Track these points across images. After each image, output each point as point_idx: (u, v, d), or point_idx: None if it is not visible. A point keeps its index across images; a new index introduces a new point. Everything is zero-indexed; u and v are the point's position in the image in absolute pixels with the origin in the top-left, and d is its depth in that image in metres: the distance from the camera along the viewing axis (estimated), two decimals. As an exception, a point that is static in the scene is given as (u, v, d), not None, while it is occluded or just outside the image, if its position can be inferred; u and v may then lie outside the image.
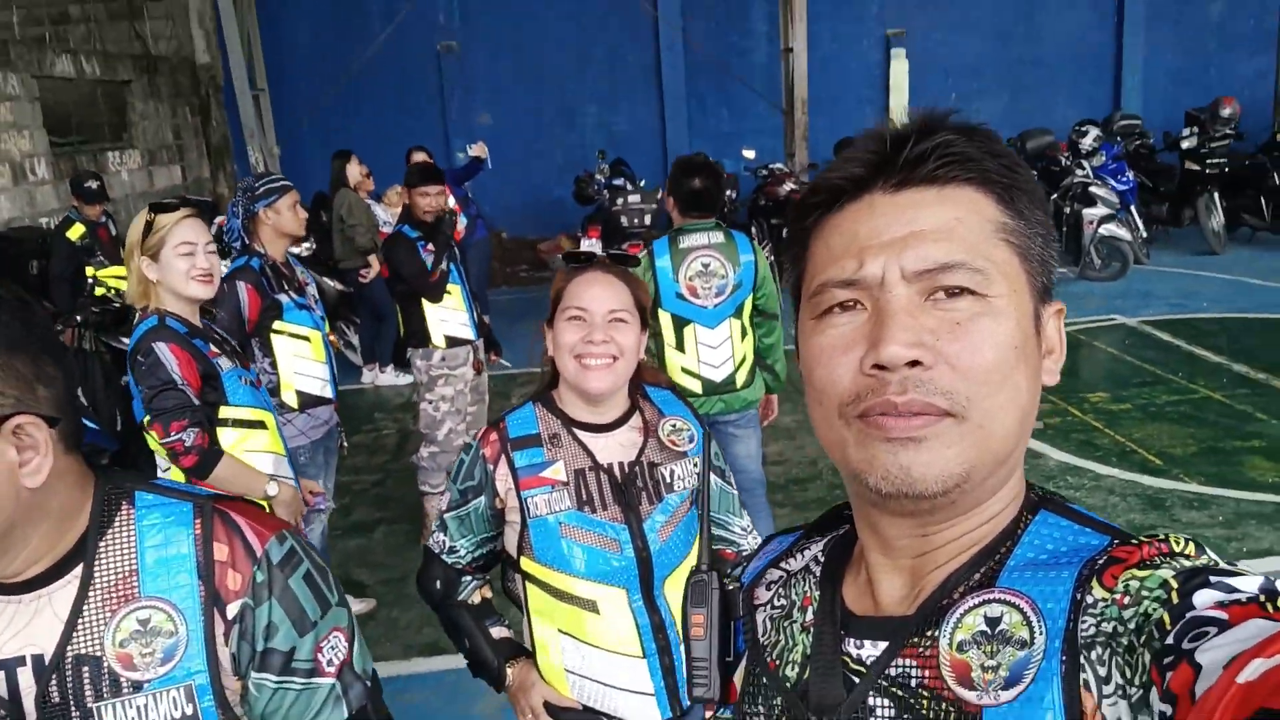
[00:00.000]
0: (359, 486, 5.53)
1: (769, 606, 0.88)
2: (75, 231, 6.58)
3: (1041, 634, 0.65)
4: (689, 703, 0.89)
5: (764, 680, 0.84)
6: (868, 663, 0.74)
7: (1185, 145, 9.60)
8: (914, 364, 0.67)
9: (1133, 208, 9.10)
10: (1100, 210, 8.49)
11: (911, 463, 0.68)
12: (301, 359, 3.57)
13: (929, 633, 0.71)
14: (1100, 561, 0.66)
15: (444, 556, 1.88)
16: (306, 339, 3.58)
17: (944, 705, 0.68)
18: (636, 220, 7.87)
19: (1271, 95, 10.96)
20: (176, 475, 2.67)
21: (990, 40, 11.81)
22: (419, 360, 4.49)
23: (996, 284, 0.69)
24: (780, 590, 0.88)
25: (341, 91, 10.80)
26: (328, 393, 3.65)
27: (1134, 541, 0.67)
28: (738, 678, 0.88)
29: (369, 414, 6.96)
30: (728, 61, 11.27)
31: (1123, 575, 0.64)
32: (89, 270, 6.30)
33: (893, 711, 0.71)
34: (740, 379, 3.58)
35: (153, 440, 2.63)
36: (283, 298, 3.50)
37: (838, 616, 0.80)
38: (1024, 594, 0.68)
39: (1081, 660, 0.62)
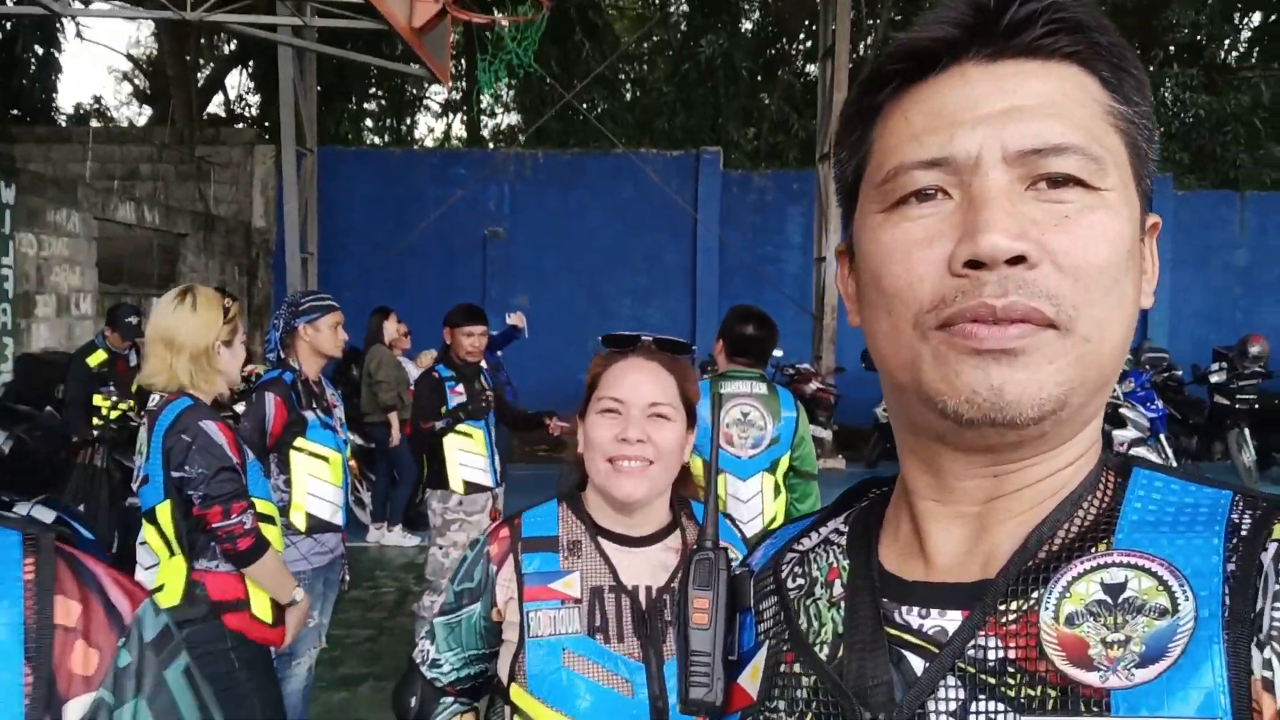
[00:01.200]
0: (350, 640, 5.25)
1: (784, 591, 0.72)
2: (96, 358, 6.55)
3: (1187, 600, 0.53)
4: (680, 709, 0.72)
5: (781, 670, 0.67)
6: (934, 635, 0.60)
7: (1214, 379, 9.63)
8: (1016, 261, 0.55)
9: (1162, 436, 9.00)
10: (1131, 433, 8.40)
11: (1006, 381, 0.55)
12: (317, 480, 3.46)
13: (1020, 601, 0.57)
14: (1245, 526, 0.55)
15: (425, 669, 1.58)
16: (326, 459, 3.48)
17: (1044, 689, 0.54)
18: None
19: (1300, 340, 11.11)
20: (170, 575, 2.54)
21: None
22: (435, 503, 4.36)
23: (1110, 176, 0.58)
24: (796, 570, 0.72)
25: (387, 264, 11.19)
26: (338, 519, 3.51)
27: (1265, 503, 0.57)
28: (746, 680, 0.71)
29: (370, 571, 6.72)
30: (762, 267, 11.63)
31: None
32: (98, 399, 6.26)
33: (962, 695, 0.57)
34: None
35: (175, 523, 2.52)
36: (309, 414, 3.43)
37: (876, 582, 0.65)
38: (1154, 556, 0.56)
39: (1269, 653, 0.50)
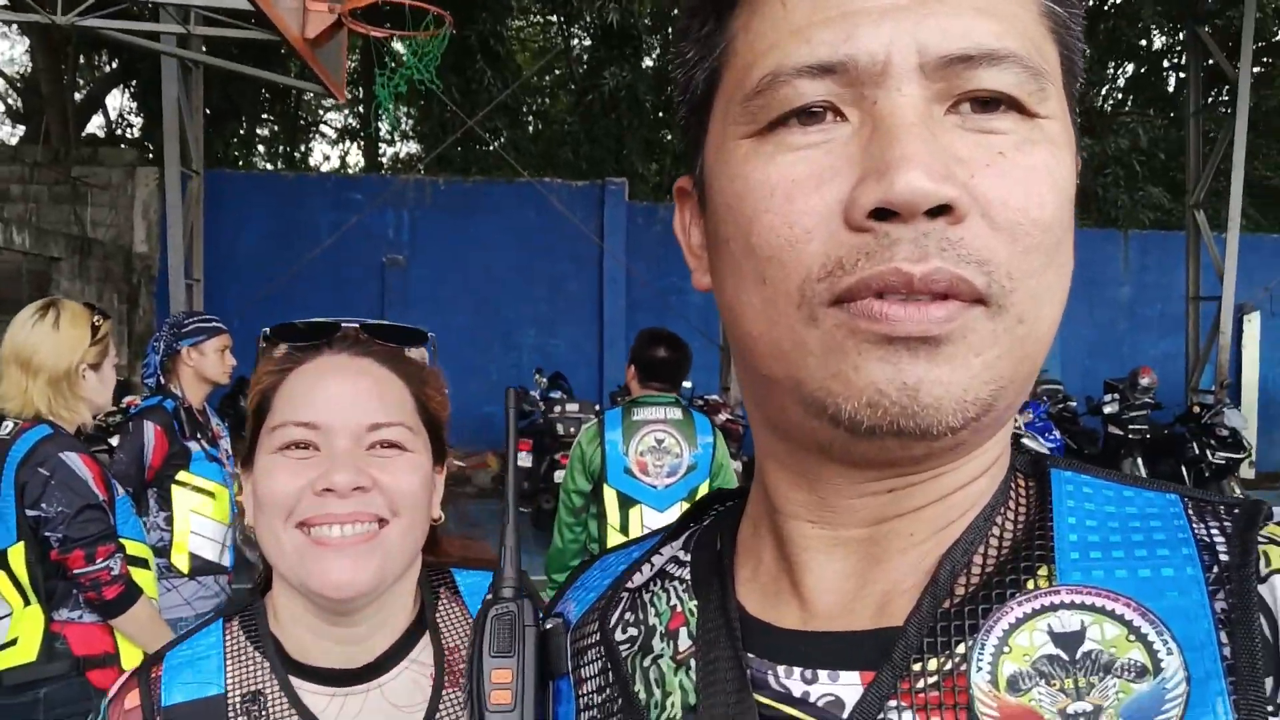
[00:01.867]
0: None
1: (613, 645, 0.56)
2: None
3: (1171, 654, 0.41)
4: None
5: None
6: (825, 708, 0.45)
7: (1107, 410, 9.96)
8: (937, 213, 0.41)
9: (1059, 466, 9.25)
10: (1032, 462, 8.60)
11: (923, 379, 0.42)
12: (201, 517, 3.15)
13: (936, 660, 0.44)
14: (1226, 554, 0.43)
15: None
16: (211, 495, 3.17)
17: None
18: (574, 429, 7.70)
19: (1183, 373, 11.60)
20: (25, 628, 2.23)
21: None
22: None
23: (1050, 100, 0.44)
24: (628, 616, 0.57)
25: (278, 291, 10.72)
26: (225, 559, 3.21)
27: (1210, 500, 0.47)
28: None
29: (260, 618, 6.30)
30: (667, 298, 11.57)
31: None
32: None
33: None
34: None
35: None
36: (193, 445, 3.13)
37: (736, 632, 0.50)
38: (1112, 592, 0.43)
39: None
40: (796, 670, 0.47)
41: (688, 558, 0.56)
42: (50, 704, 2.25)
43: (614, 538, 3.20)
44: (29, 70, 18.35)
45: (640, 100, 13.63)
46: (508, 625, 0.55)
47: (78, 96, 15.37)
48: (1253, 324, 12.23)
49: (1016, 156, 0.43)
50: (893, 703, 0.44)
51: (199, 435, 3.18)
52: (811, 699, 0.46)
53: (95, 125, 17.38)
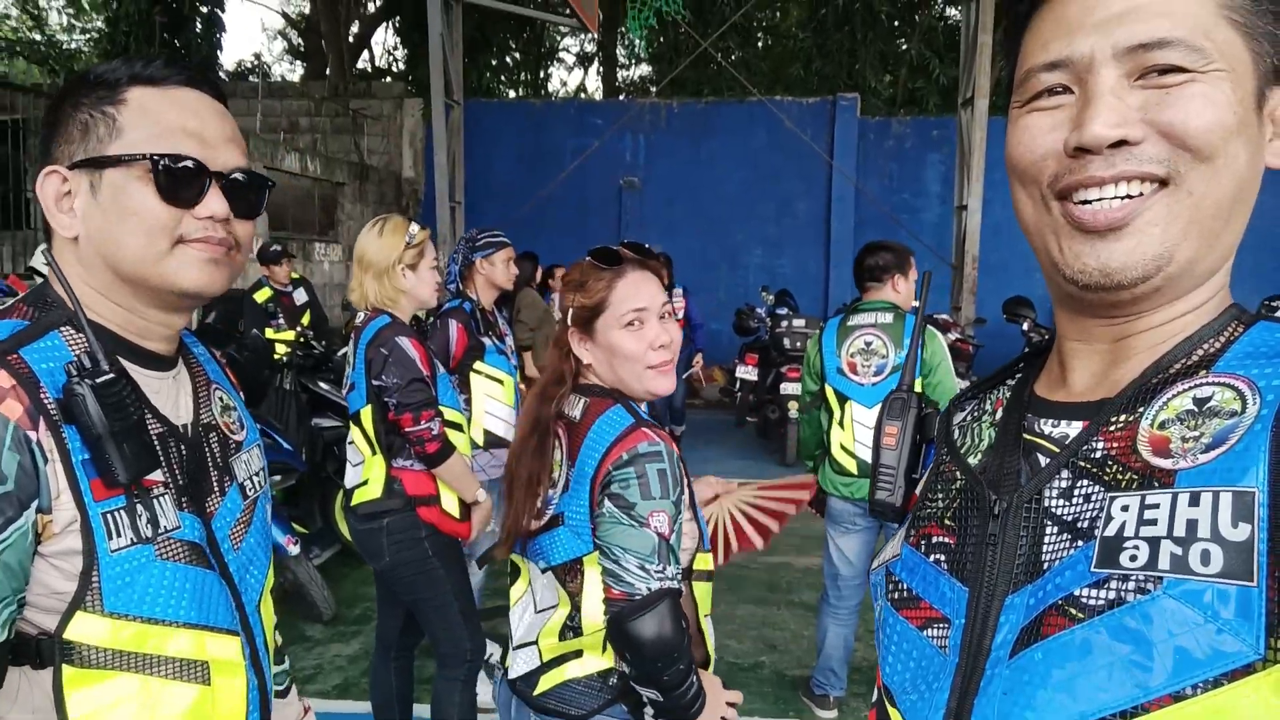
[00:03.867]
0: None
1: (963, 420, 0.87)
2: (262, 295, 7.24)
3: (1255, 404, 0.64)
4: (869, 510, 0.91)
5: (941, 472, 0.83)
6: (1058, 439, 0.74)
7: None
8: (1119, 144, 0.67)
9: None
10: None
11: (1110, 256, 0.68)
12: (494, 400, 3.76)
13: (1128, 415, 0.69)
14: None
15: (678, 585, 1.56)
16: (501, 382, 3.77)
17: (1129, 474, 0.67)
18: (800, 344, 7.98)
19: None
20: (373, 471, 2.83)
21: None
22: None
23: (1214, 64, 0.66)
24: (975, 405, 0.88)
25: (529, 212, 11.57)
26: (511, 436, 3.80)
27: None
28: (920, 488, 0.88)
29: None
30: (898, 216, 11.48)
31: None
32: (269, 332, 6.87)
33: (1069, 480, 0.70)
34: None
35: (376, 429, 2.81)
36: (487, 341, 3.72)
37: (1024, 401, 0.80)
38: (1240, 375, 0.66)
39: None
40: (1050, 421, 0.77)
41: (1020, 370, 0.87)
42: (390, 531, 2.80)
43: (835, 431, 3.54)
44: (306, 12, 20.18)
45: (875, 11, 13.31)
46: (900, 405, 0.93)
47: (349, 35, 16.82)
48: None
49: (1179, 91, 0.66)
50: (1095, 438, 0.71)
51: (490, 332, 3.78)
52: (1052, 435, 0.76)
53: (363, 60, 18.96)
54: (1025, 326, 10.03)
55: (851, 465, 3.49)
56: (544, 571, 1.68)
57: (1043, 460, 0.74)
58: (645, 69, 19.71)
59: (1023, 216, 0.75)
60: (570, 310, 1.72)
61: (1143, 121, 0.67)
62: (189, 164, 1.00)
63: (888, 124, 12.33)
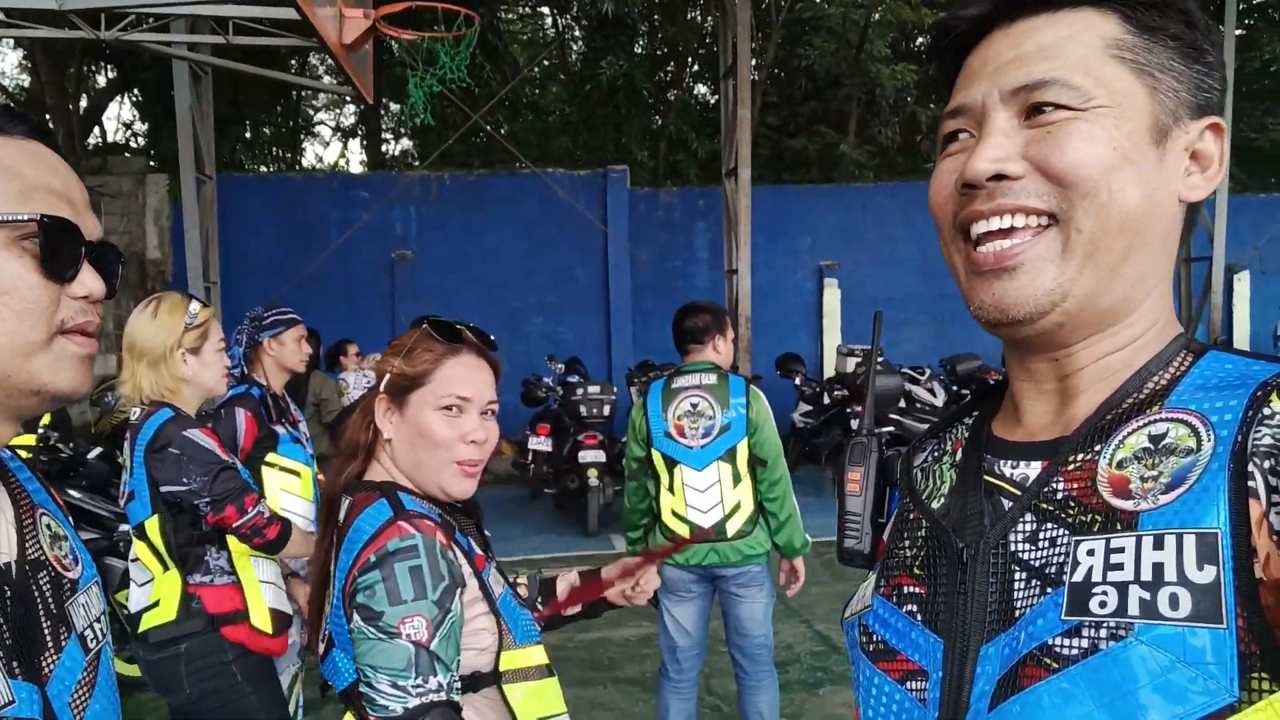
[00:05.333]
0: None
1: (924, 462, 0.87)
2: None
3: (1209, 441, 0.64)
4: (838, 558, 0.89)
5: (907, 519, 0.83)
6: (1019, 480, 0.74)
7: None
8: (999, 178, 0.70)
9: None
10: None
11: (1003, 293, 0.71)
12: (289, 494, 3.40)
13: (1085, 454, 0.70)
14: (1274, 380, 0.65)
15: (449, 697, 1.34)
16: (297, 474, 3.43)
17: (1093, 515, 0.67)
18: (595, 410, 7.94)
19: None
20: (165, 590, 2.48)
21: (916, 275, 12.70)
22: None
23: (1097, 98, 0.69)
24: (935, 446, 0.88)
25: (292, 290, 10.94)
26: (310, 531, 3.47)
27: None
28: (887, 533, 0.87)
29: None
30: (673, 281, 11.82)
31: None
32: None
33: (1033, 523, 0.70)
34: (732, 527, 3.38)
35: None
36: (279, 429, 3.38)
37: (983, 442, 0.80)
38: (1193, 410, 0.67)
39: (1251, 468, 0.61)
40: (1009, 462, 0.77)
41: (974, 415, 0.87)
42: (190, 657, 2.47)
43: (665, 496, 3.47)
44: (26, 84, 18.45)
45: (637, 88, 13.83)
46: (861, 450, 0.90)
47: (80, 109, 15.51)
48: (1242, 283, 12.52)
49: (1059, 129, 0.69)
50: (1054, 477, 0.71)
51: (283, 419, 3.44)
52: (1012, 477, 0.76)
53: (94, 136, 17.52)
54: (798, 380, 10.55)
55: (684, 531, 3.42)
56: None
57: (1005, 504, 0.74)
58: (407, 143, 19.45)
59: (946, 259, 0.78)
60: (387, 375, 1.54)
61: (1024, 158, 0.70)
62: (68, 227, 0.79)
63: (656, 195, 12.74)
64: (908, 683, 0.76)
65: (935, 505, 0.81)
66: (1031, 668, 0.65)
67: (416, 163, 16.84)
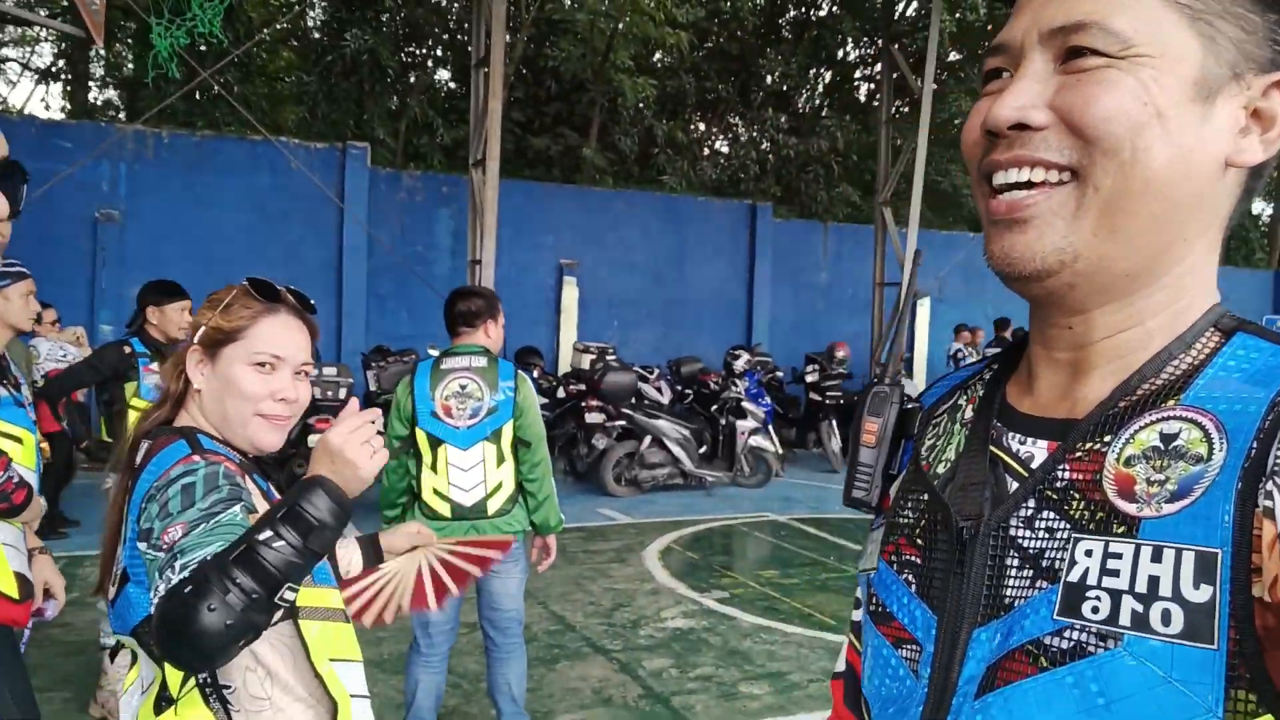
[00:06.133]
0: None
1: (939, 418, 0.85)
2: None
3: (1221, 451, 0.61)
4: (843, 502, 0.89)
5: (915, 480, 0.81)
6: (1028, 463, 0.72)
7: (809, 379, 11.30)
8: (1021, 128, 0.67)
9: (770, 428, 10.41)
10: (751, 423, 9.65)
11: (1011, 245, 0.68)
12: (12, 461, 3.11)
13: (1094, 443, 0.67)
14: None
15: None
16: (19, 440, 3.13)
17: (1094, 509, 0.65)
18: (331, 392, 7.69)
19: (869, 348, 13.30)
20: None
21: (648, 280, 13.33)
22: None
23: (1138, 46, 0.64)
24: (948, 402, 0.85)
25: (-27, 243, 9.68)
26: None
27: None
28: (894, 490, 0.85)
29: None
30: (412, 266, 11.63)
31: None
32: None
33: (1033, 508, 0.69)
34: (492, 506, 3.50)
35: None
36: (1, 391, 3.08)
37: (994, 408, 0.78)
38: (1208, 411, 0.63)
39: (1270, 486, 0.58)
40: (1018, 436, 0.74)
41: (997, 365, 0.83)
42: None
43: (426, 475, 3.52)
44: None
45: (383, 65, 13.44)
46: (881, 399, 0.87)
47: None
48: (924, 307, 14.22)
49: (1089, 77, 0.64)
50: (1061, 464, 0.68)
51: (3, 381, 3.13)
52: (1019, 454, 0.73)
53: None
54: (535, 374, 10.75)
55: (445, 509, 3.48)
56: (131, 639, 1.47)
57: (1010, 483, 0.72)
58: (112, 93, 17.62)
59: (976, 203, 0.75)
60: (202, 328, 1.57)
61: (1050, 106, 0.66)
62: None
63: (399, 177, 12.46)
64: (901, 648, 0.76)
65: (940, 469, 0.78)
66: (1020, 662, 0.65)
67: (122, 115, 15.35)
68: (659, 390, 10.31)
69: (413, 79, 16.14)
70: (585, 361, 10.37)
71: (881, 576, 0.81)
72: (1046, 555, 0.66)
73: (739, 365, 10.07)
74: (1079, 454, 0.68)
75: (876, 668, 0.79)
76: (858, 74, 20.14)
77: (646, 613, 5.67)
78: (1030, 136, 0.66)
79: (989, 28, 18.98)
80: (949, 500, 0.75)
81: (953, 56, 19.01)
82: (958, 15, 17.83)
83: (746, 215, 14.02)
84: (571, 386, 9.96)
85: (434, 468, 3.53)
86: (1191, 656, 0.57)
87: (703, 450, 9.69)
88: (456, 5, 16.47)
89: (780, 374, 12.02)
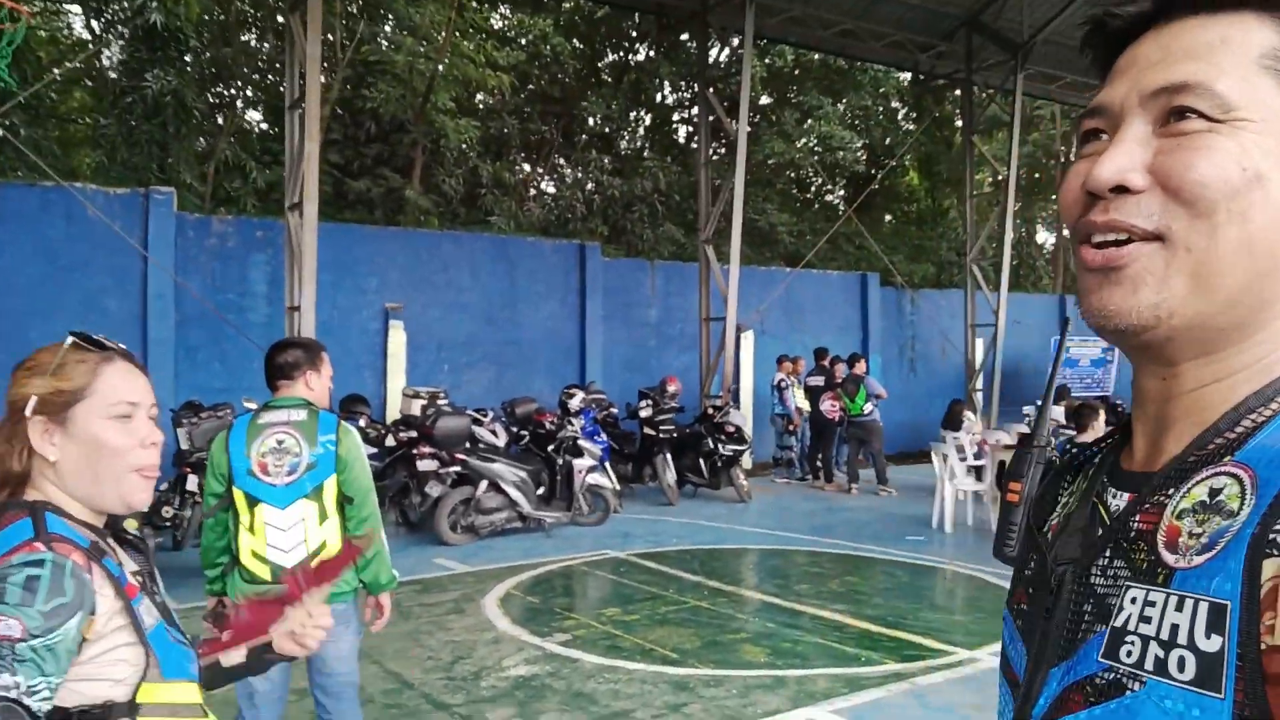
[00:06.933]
0: None
1: (1071, 481, 0.88)
2: None
3: (1249, 505, 0.63)
4: (995, 557, 0.92)
5: (1034, 536, 0.85)
6: (1115, 514, 0.75)
7: (643, 414, 11.43)
8: (1120, 190, 0.68)
9: (606, 464, 10.46)
10: (588, 461, 9.66)
11: (1108, 299, 0.69)
12: None
13: (1162, 495, 0.70)
14: None
15: (25, 701, 1.25)
16: None
17: (1146, 559, 0.68)
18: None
19: (698, 381, 13.60)
20: None
21: (479, 321, 13.17)
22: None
23: (1239, 110, 0.65)
24: (1086, 464, 0.88)
25: None
26: None
27: None
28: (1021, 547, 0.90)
29: None
30: (225, 314, 11.07)
31: None
32: None
33: (1109, 557, 0.72)
34: None
35: None
36: None
37: (1105, 469, 0.81)
38: (1250, 466, 0.65)
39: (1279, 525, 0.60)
40: (1114, 491, 0.77)
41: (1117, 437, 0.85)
42: None
43: (244, 536, 3.33)
44: None
45: (188, 107, 12.82)
46: (1023, 461, 0.88)
47: None
48: (748, 340, 14.66)
49: (1190, 141, 0.65)
50: (1134, 515, 0.71)
51: None
52: (1110, 506, 0.76)
53: None
54: (362, 423, 10.40)
55: (264, 572, 3.30)
56: None
57: (1099, 531, 0.76)
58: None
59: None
60: (35, 397, 1.45)
61: (1150, 169, 0.67)
62: None
63: (208, 222, 11.85)
64: (1012, 690, 0.81)
65: (1056, 521, 0.83)
66: (1076, 697, 0.69)
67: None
68: (494, 433, 10.19)
69: (221, 120, 15.49)
70: (415, 407, 10.11)
71: (1006, 624, 0.86)
72: (1108, 600, 0.70)
73: (574, 404, 10.10)
74: (1149, 506, 0.70)
75: (1000, 707, 0.85)
76: (676, 116, 20.81)
77: (488, 663, 5.54)
78: (1126, 200, 0.68)
79: (795, 72, 20.04)
80: (1050, 549, 0.79)
81: (764, 100, 19.93)
82: (768, 61, 18.74)
83: (576, 255, 14.11)
84: (401, 434, 9.68)
85: (251, 529, 3.35)
86: (1202, 704, 0.60)
87: (541, 491, 9.61)
88: (267, 45, 15.97)
89: (615, 410, 12.11)
